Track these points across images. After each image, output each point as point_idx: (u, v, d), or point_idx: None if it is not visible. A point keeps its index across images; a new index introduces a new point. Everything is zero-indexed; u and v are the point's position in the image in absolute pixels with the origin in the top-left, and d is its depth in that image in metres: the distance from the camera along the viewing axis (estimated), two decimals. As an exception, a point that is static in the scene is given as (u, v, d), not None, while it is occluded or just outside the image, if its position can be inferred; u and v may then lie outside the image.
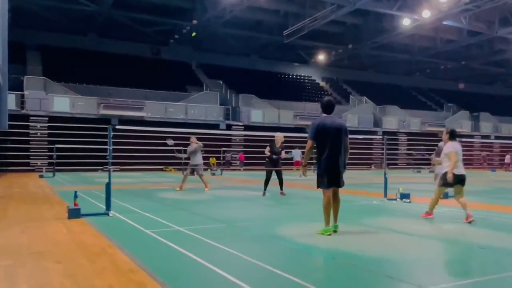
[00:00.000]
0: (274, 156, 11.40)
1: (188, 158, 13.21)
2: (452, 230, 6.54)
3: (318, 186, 6.05)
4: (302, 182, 15.21)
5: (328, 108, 6.10)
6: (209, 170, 27.48)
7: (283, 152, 11.53)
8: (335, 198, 6.11)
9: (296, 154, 23.56)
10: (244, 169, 29.37)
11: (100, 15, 31.62)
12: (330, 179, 5.91)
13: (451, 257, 4.93)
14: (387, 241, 5.57)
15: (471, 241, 5.62)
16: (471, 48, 40.05)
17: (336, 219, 6.14)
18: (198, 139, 24.78)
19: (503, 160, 35.25)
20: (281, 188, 11.69)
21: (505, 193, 14.13)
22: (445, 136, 7.42)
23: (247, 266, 4.36)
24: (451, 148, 7.09)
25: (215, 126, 30.41)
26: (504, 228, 6.74)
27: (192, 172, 13.08)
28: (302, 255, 4.87)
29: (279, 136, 11.64)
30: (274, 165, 11.50)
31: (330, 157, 5.89)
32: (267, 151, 11.60)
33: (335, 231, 5.99)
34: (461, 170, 7.08)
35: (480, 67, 44.67)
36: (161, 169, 27.69)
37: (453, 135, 7.31)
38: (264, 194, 11.58)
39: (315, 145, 5.99)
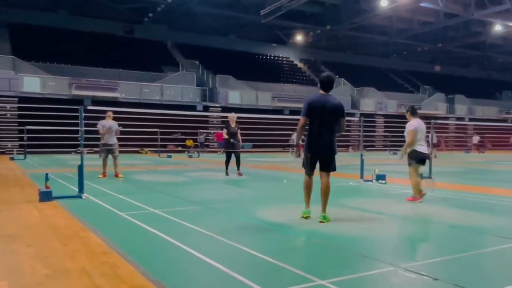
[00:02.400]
0: (231, 140, 11.76)
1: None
2: (425, 210, 6.67)
3: (303, 166, 5.69)
4: (286, 165, 15.24)
5: (326, 85, 5.57)
6: (186, 152, 27.29)
7: (238, 131, 11.89)
8: (323, 185, 5.56)
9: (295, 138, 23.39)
10: (221, 152, 29.16)
11: (71, -9, 30.54)
12: (315, 162, 5.54)
13: (423, 236, 5.02)
14: (362, 221, 5.63)
15: (443, 221, 5.74)
16: (447, 30, 40.58)
17: (324, 208, 5.54)
18: (175, 120, 24.22)
19: (476, 142, 36.18)
20: (238, 169, 11.94)
21: (476, 174, 14.53)
22: (407, 114, 7.45)
23: (222, 247, 4.33)
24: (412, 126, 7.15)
25: (192, 108, 30.08)
26: (474, 207, 6.92)
27: (107, 155, 11.24)
28: (278, 236, 4.88)
29: (232, 116, 12.03)
30: (233, 145, 11.86)
31: (320, 138, 5.45)
32: (224, 133, 11.97)
33: (321, 222, 5.41)
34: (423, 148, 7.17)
35: (455, 49, 45.38)
36: (137, 151, 27.33)
37: (414, 112, 7.38)
38: (226, 174, 11.85)
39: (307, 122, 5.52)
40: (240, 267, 3.64)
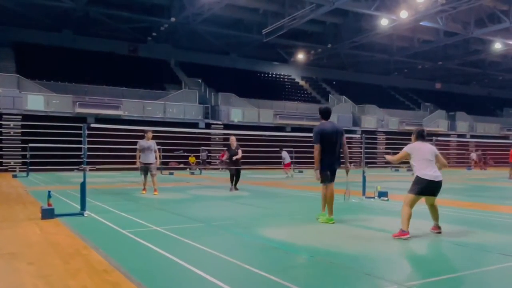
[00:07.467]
0: (233, 158, 12.75)
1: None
2: (428, 227, 6.62)
3: (322, 181, 6.85)
4: (287, 182, 15.18)
5: (326, 114, 6.99)
6: (188, 169, 27.30)
7: (239, 151, 12.81)
8: (332, 192, 6.92)
9: (286, 156, 22.98)
10: (223, 169, 29.17)
11: (75, 11, 31.00)
12: (330, 175, 6.86)
13: (427, 254, 4.99)
14: (364, 239, 5.60)
15: (446, 238, 5.70)
16: (447, 48, 40.92)
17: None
18: (177, 138, 24.35)
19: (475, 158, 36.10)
20: (236, 184, 12.89)
21: (478, 191, 14.46)
22: (412, 137, 6.22)
23: (225, 265, 4.31)
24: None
25: (194, 125, 30.18)
26: (478, 225, 6.88)
27: (146, 172, 11.52)
28: (281, 253, 4.86)
29: (232, 139, 13.04)
30: (235, 163, 12.89)
31: (329, 157, 6.79)
32: (226, 155, 13.15)
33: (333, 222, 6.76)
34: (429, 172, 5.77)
35: (456, 67, 45.69)
36: (138, 168, 27.25)
37: (419, 136, 6.10)
38: (231, 189, 12.63)
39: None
40: (242, 285, 3.61)
